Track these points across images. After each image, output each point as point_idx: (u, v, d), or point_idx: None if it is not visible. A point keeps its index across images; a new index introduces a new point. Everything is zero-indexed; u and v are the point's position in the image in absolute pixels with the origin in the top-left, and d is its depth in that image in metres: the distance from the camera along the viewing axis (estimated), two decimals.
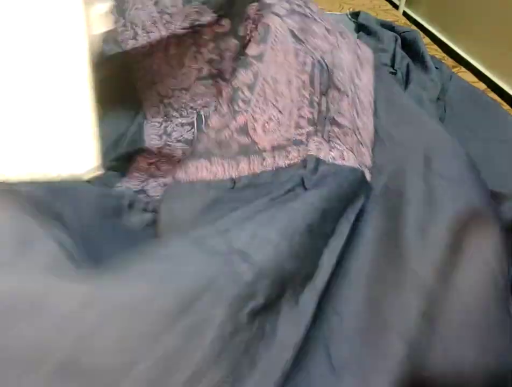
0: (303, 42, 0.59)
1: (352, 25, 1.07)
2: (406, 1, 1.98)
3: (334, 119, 0.55)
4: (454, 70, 0.91)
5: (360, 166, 0.51)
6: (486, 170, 0.61)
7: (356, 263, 0.41)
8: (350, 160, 0.51)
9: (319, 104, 0.55)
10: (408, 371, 0.33)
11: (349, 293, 0.39)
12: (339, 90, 0.57)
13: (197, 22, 0.64)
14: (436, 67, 0.83)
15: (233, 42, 0.66)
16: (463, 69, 0.94)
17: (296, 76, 0.55)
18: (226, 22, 0.66)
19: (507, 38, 1.48)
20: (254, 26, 0.62)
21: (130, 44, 0.59)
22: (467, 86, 0.83)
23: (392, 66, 0.84)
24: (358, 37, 0.97)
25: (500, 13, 1.51)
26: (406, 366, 0.33)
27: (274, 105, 0.54)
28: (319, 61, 0.58)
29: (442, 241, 0.41)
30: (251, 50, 0.57)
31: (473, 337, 0.36)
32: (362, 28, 1.02)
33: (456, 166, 0.48)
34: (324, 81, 0.56)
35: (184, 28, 0.63)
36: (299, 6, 0.66)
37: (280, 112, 0.54)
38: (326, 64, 0.59)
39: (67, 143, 0.46)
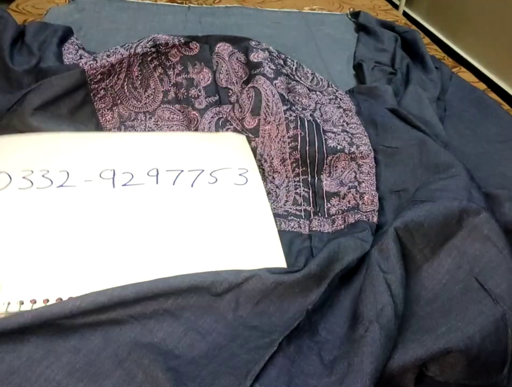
0: (292, 104, 0.60)
1: (352, 25, 1.07)
2: (406, 1, 1.99)
3: (331, 193, 0.55)
4: (454, 70, 0.90)
5: (366, 217, 0.51)
6: (487, 170, 0.61)
7: (349, 289, 0.44)
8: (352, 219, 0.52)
9: (312, 185, 0.56)
10: (386, 353, 0.35)
11: (339, 313, 0.42)
12: (334, 151, 0.57)
13: (160, 42, 0.64)
14: (436, 67, 0.83)
15: (204, 71, 0.66)
16: (463, 69, 0.94)
17: (289, 154, 0.57)
18: (194, 46, 0.67)
19: (507, 38, 1.48)
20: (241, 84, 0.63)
21: (88, 64, 0.59)
22: (467, 86, 0.83)
23: (392, 66, 0.84)
24: (358, 37, 0.98)
25: (500, 13, 1.51)
26: (386, 349, 0.35)
27: (271, 181, 0.56)
28: (309, 121, 0.59)
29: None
30: (247, 122, 0.59)
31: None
32: (362, 28, 1.02)
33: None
34: (312, 154, 0.57)
35: (145, 48, 0.63)
36: (282, 66, 0.67)
37: (277, 187, 0.56)
38: (316, 122, 0.59)
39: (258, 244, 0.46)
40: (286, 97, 0.61)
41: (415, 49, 0.89)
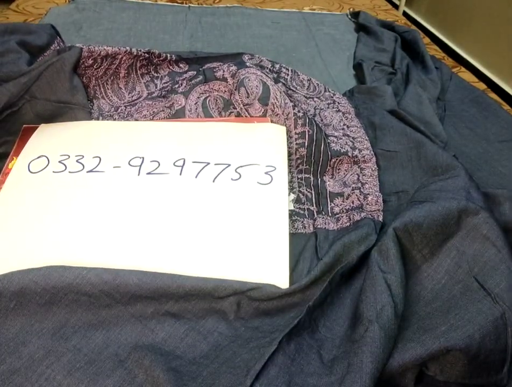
0: (296, 106, 0.60)
1: (352, 25, 1.08)
2: (406, 1, 1.99)
3: (334, 193, 0.55)
4: (454, 70, 0.91)
5: (371, 216, 0.51)
6: (486, 170, 0.61)
7: (350, 288, 0.44)
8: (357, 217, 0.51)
9: (315, 187, 0.56)
10: (386, 353, 0.35)
11: (339, 311, 0.42)
12: (338, 153, 0.57)
13: (153, 51, 0.64)
14: (436, 67, 0.83)
15: (189, 73, 0.66)
16: (463, 69, 0.94)
17: (296, 149, 0.56)
18: (183, 65, 0.67)
19: (507, 38, 1.48)
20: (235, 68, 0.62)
21: (87, 46, 0.60)
22: (467, 86, 0.83)
23: (392, 66, 0.84)
24: (358, 37, 0.98)
25: (500, 13, 1.51)
26: (385, 349, 0.35)
27: None
28: (315, 121, 0.59)
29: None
30: (253, 109, 0.58)
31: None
32: (362, 28, 1.02)
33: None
34: (317, 155, 0.57)
35: (139, 51, 0.63)
36: (277, 77, 0.67)
37: None
38: (318, 125, 0.59)
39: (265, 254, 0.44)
40: (289, 98, 0.60)
41: (415, 49, 0.89)
